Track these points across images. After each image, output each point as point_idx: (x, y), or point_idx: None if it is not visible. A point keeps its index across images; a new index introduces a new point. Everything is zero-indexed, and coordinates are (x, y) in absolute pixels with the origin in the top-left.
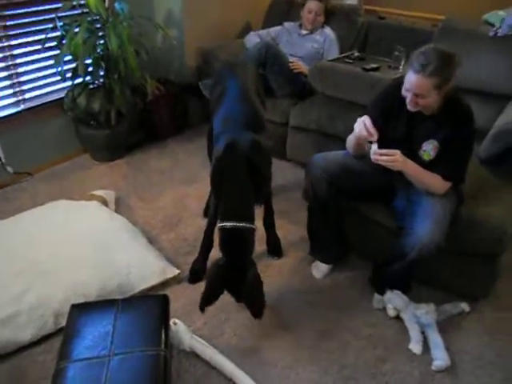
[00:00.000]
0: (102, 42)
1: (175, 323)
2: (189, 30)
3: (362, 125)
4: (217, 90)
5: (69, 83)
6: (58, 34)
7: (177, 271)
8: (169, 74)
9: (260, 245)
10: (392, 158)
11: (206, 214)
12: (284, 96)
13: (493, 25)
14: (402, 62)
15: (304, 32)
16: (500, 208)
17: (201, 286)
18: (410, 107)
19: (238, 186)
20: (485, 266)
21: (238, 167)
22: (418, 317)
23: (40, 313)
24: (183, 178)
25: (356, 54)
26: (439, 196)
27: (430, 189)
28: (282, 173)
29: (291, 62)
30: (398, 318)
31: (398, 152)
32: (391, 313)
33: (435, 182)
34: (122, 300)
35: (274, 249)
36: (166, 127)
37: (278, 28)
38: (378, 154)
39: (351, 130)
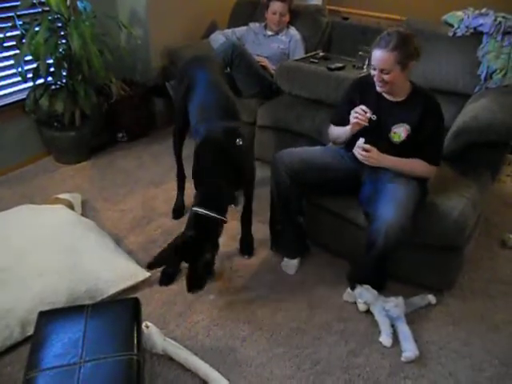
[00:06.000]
0: (64, 41)
1: (147, 326)
2: (154, 29)
3: (357, 111)
4: (184, 83)
5: (30, 84)
6: (18, 33)
7: (147, 274)
8: (134, 75)
9: (232, 243)
10: (368, 154)
11: (174, 215)
12: (251, 96)
13: (452, 25)
14: (366, 62)
15: (269, 33)
16: (461, 202)
17: (172, 288)
18: (378, 87)
19: (215, 177)
20: (449, 258)
21: (215, 158)
22: (387, 310)
23: (5, 322)
24: (150, 180)
25: (321, 53)
26: (403, 184)
27: (416, 174)
28: None
29: (258, 62)
30: (368, 312)
31: (374, 149)
32: (361, 307)
33: (418, 167)
34: (92, 305)
35: (247, 247)
36: (132, 128)
37: (244, 28)
38: (361, 148)
39: (318, 127)
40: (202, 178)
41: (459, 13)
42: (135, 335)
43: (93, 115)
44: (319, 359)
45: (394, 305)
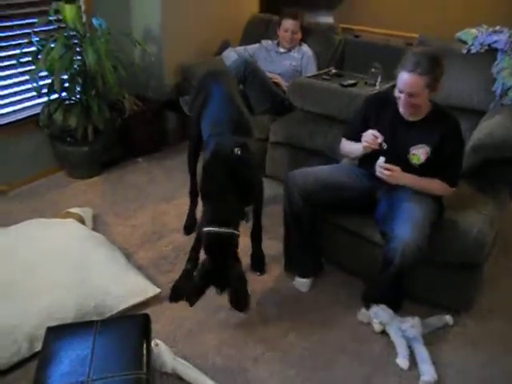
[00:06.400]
0: (79, 57)
1: (157, 344)
2: (167, 46)
3: (370, 136)
4: (200, 98)
5: (44, 99)
6: (34, 49)
7: (157, 290)
8: (147, 91)
9: (244, 259)
10: (390, 173)
11: (186, 231)
12: (263, 112)
13: (465, 42)
14: (379, 79)
15: (282, 50)
16: (479, 219)
17: (182, 304)
18: (402, 109)
19: (224, 193)
20: (467, 277)
21: (224, 174)
22: (403, 330)
23: (12, 338)
24: (161, 195)
25: (333, 70)
26: (420, 202)
27: (433, 194)
28: None
29: (270, 78)
30: (383, 332)
31: (398, 168)
32: (377, 327)
33: (436, 187)
34: (101, 321)
35: (258, 264)
36: (144, 144)
37: (256, 46)
38: (383, 168)
39: (331, 144)
40: (210, 193)
41: (473, 30)
42: (144, 353)
43: (106, 130)
44: (334, 381)
45: (411, 325)
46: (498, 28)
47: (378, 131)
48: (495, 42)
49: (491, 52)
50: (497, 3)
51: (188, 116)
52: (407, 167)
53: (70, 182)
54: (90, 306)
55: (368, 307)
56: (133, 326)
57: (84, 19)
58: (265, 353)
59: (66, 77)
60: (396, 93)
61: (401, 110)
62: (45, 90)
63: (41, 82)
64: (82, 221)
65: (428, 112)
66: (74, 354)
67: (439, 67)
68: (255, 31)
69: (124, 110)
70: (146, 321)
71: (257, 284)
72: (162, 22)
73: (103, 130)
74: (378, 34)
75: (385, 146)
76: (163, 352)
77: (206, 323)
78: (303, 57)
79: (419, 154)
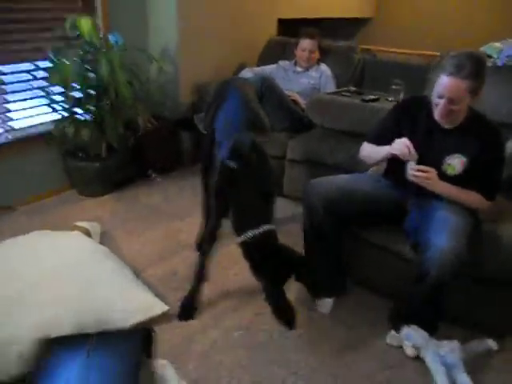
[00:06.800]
0: (93, 73)
1: (162, 365)
2: (184, 65)
3: (405, 147)
4: (214, 105)
5: (58, 117)
6: (48, 64)
7: (166, 307)
8: (163, 111)
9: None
10: (428, 175)
11: (198, 247)
12: (281, 130)
13: (490, 56)
14: (401, 95)
15: (299, 69)
16: None
17: (192, 324)
18: (439, 117)
19: (247, 190)
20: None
21: (246, 171)
22: (442, 356)
23: (6, 353)
24: (175, 214)
25: (353, 88)
26: (454, 212)
27: (470, 206)
28: (279, 208)
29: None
30: (417, 358)
31: (433, 170)
32: (410, 352)
33: (473, 200)
34: (97, 335)
35: None
36: (158, 163)
37: (273, 66)
38: (415, 170)
39: (352, 159)
40: (228, 197)
41: (497, 44)
42: (143, 374)
43: (119, 147)
44: None
45: (450, 349)
46: None
47: (412, 137)
48: None
49: None
50: None
51: (203, 134)
52: (441, 179)
53: (80, 199)
54: (90, 321)
55: (397, 329)
56: (132, 342)
57: (101, 34)
58: (287, 378)
59: (79, 93)
60: (434, 99)
61: (437, 117)
62: (57, 107)
63: (55, 98)
64: (88, 234)
65: (465, 119)
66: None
67: (483, 70)
68: (272, 53)
69: (138, 128)
70: (147, 336)
71: None
72: (179, 41)
73: (117, 146)
74: (397, 53)
75: (413, 161)
76: (168, 374)
77: (219, 343)
78: (321, 76)
79: (455, 163)
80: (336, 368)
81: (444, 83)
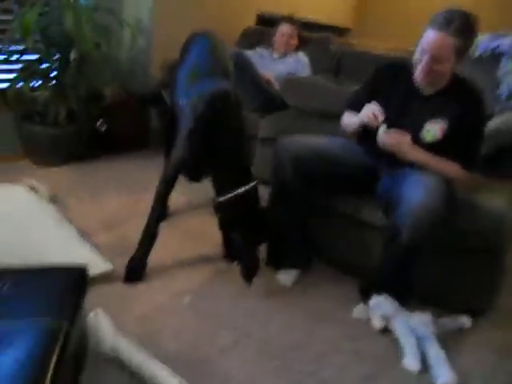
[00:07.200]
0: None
1: (95, 314)
2: (157, 38)
3: (370, 113)
4: (177, 65)
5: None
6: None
7: (110, 266)
8: (132, 84)
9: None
10: (401, 139)
11: None
12: (253, 110)
13: None
14: None
15: (276, 56)
16: (498, 199)
17: (139, 288)
18: (420, 76)
19: (232, 140)
20: (485, 270)
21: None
22: (412, 328)
23: None
24: (134, 187)
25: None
26: (428, 174)
27: (447, 176)
28: None
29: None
30: (386, 331)
31: (407, 135)
32: (378, 324)
33: (450, 170)
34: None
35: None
36: (124, 139)
37: (250, 52)
38: (386, 134)
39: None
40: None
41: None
42: (72, 303)
43: (80, 115)
44: (326, 379)
45: (421, 322)
46: (501, 32)
47: (388, 102)
48: (498, 46)
49: (494, 56)
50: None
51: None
52: (417, 144)
53: (32, 169)
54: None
55: (366, 302)
56: (62, 275)
57: None
58: (237, 341)
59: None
60: (416, 55)
61: (418, 75)
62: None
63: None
64: (34, 191)
65: (447, 84)
66: None
67: (473, 30)
68: (249, 41)
69: (104, 98)
70: (81, 274)
71: (235, 274)
72: (154, 12)
73: (77, 112)
74: (374, 48)
75: (385, 127)
76: (102, 325)
77: (165, 307)
78: (298, 62)
79: (435, 130)
80: (295, 335)
81: (429, 38)
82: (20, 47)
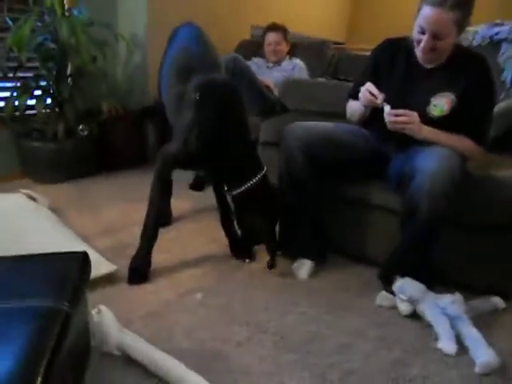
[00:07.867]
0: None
1: (99, 311)
2: (152, 54)
3: (366, 92)
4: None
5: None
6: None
7: (113, 267)
8: (130, 101)
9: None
10: (409, 119)
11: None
12: (254, 114)
13: (466, 38)
14: None
15: (271, 64)
16: None
17: (145, 287)
18: (421, 55)
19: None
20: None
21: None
22: (442, 308)
23: None
24: (132, 200)
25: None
26: (441, 149)
27: (459, 152)
28: None
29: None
30: (412, 316)
31: (415, 113)
32: (404, 309)
33: (465, 146)
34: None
35: (245, 249)
36: (122, 155)
37: (247, 62)
38: (393, 115)
39: None
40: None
41: (470, 28)
42: (72, 287)
43: (78, 130)
44: (352, 369)
45: (451, 301)
46: (498, 21)
47: (390, 82)
48: (497, 33)
49: (493, 44)
50: None
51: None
52: (426, 124)
53: (32, 186)
54: None
55: (389, 289)
56: (63, 259)
57: (66, 5)
58: (253, 336)
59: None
60: (415, 34)
61: (419, 55)
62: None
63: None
64: (32, 199)
65: (449, 55)
66: None
67: (471, 1)
68: (245, 52)
69: (101, 113)
70: (84, 257)
71: (245, 271)
72: (148, 27)
73: (74, 128)
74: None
75: (386, 106)
76: (107, 321)
77: (175, 305)
78: (294, 68)
79: (442, 103)
80: (318, 326)
81: (426, 15)
82: (15, 64)
